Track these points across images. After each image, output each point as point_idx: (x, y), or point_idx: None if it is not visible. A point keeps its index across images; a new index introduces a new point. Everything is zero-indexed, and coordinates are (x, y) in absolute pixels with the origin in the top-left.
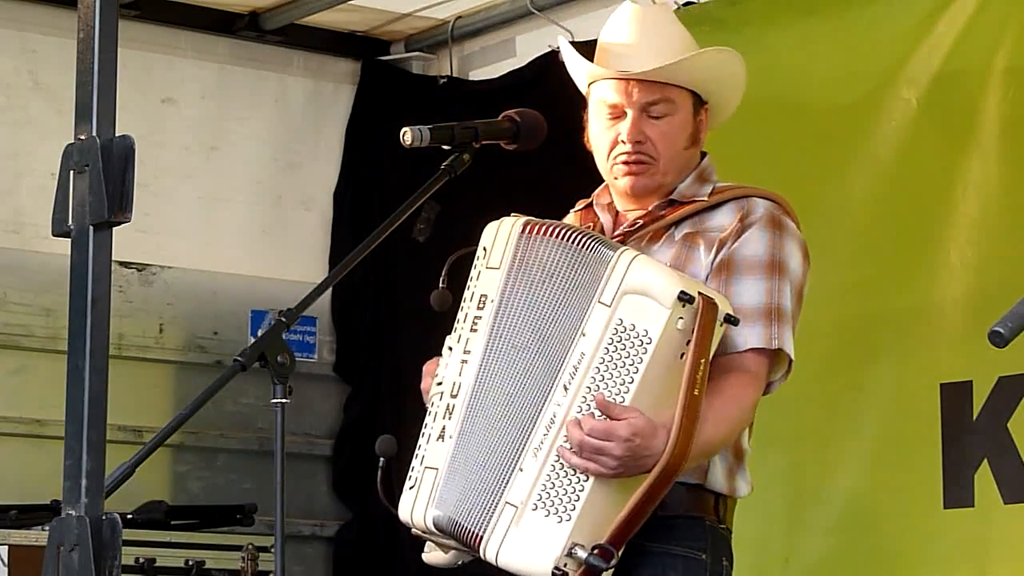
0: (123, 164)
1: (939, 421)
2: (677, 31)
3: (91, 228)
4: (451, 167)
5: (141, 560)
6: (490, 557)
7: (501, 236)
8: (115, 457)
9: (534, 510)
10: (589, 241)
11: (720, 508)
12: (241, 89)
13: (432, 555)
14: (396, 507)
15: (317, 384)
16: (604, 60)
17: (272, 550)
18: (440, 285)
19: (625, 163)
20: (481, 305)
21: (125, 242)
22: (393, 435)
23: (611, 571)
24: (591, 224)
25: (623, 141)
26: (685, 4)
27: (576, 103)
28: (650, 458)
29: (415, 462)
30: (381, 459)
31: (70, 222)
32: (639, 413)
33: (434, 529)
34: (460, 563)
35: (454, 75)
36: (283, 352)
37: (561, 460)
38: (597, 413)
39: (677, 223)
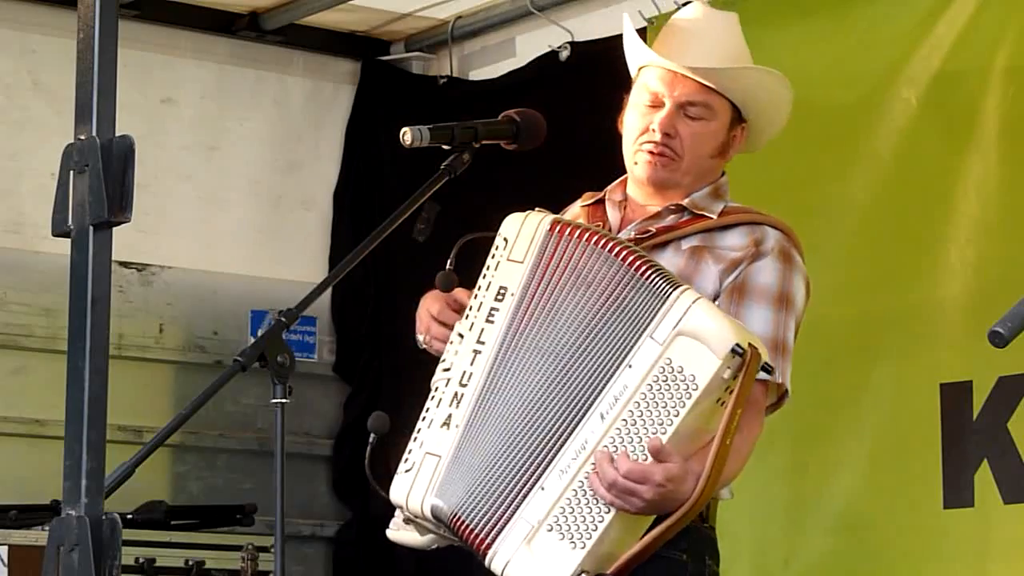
0: (123, 164)
1: (939, 421)
2: (738, 43)
3: (91, 228)
4: (451, 167)
5: (141, 560)
6: (495, 567)
7: (527, 230)
8: (115, 457)
9: (549, 531)
10: (645, 267)
11: (704, 509)
12: (241, 89)
13: (401, 533)
14: (383, 486)
15: (317, 384)
16: (661, 48)
17: (272, 550)
18: (448, 266)
19: (650, 152)
20: (500, 297)
21: (125, 242)
22: (393, 434)
23: None
24: (600, 222)
25: (653, 130)
26: (685, 4)
27: (577, 104)
28: (678, 502)
29: (413, 445)
30: (372, 435)
31: (70, 222)
32: (678, 459)
33: (430, 516)
34: (433, 547)
35: (454, 75)
36: (283, 352)
37: (585, 488)
38: (631, 451)
39: (686, 235)
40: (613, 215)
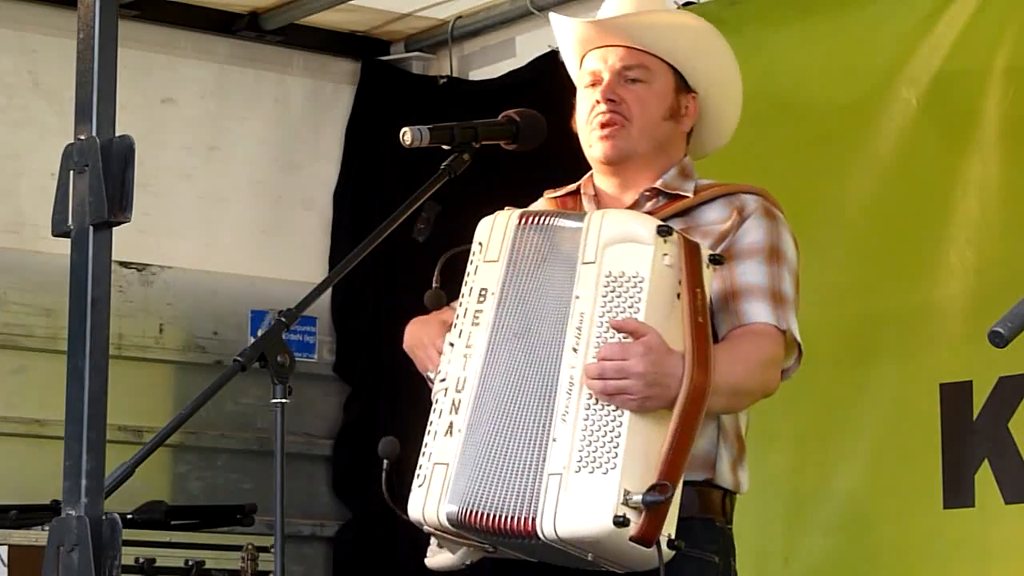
0: (123, 164)
1: (939, 421)
2: (662, 4)
3: (91, 228)
4: (451, 167)
5: (141, 560)
6: (548, 533)
7: (497, 230)
8: (115, 457)
9: (578, 472)
10: (560, 218)
11: (727, 507)
12: (241, 89)
13: (437, 558)
14: (402, 509)
15: (317, 384)
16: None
17: (272, 550)
18: (433, 284)
19: (600, 124)
20: (482, 299)
21: (125, 242)
22: (393, 435)
23: (675, 503)
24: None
25: (598, 101)
26: (685, 4)
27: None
28: (672, 378)
29: (422, 459)
30: (385, 461)
31: (70, 222)
32: (654, 331)
33: (448, 524)
34: (468, 563)
35: (454, 75)
36: (283, 352)
37: (591, 417)
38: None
39: (667, 219)
40: (590, 208)
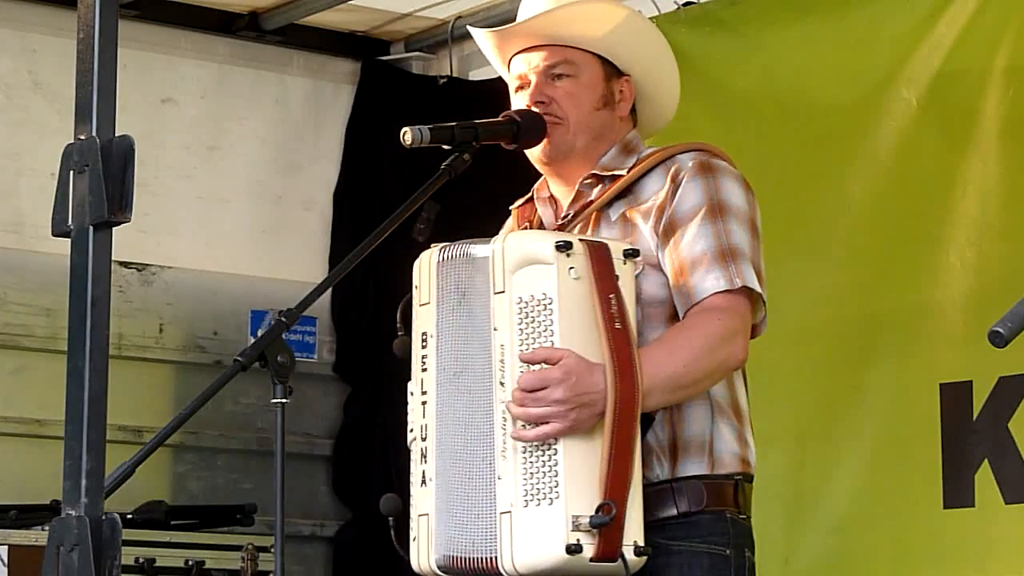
0: (123, 164)
1: (939, 421)
2: None
3: (91, 228)
4: (451, 167)
5: (141, 560)
6: (509, 570)
7: (424, 270)
8: (115, 457)
9: (526, 507)
10: (470, 246)
11: (739, 496)
12: (241, 89)
13: None
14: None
15: (317, 384)
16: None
17: (272, 550)
18: (399, 333)
19: None
20: (424, 344)
21: (125, 242)
22: (393, 435)
23: (637, 509)
24: (529, 220)
25: (528, 105)
26: (685, 4)
27: None
28: (596, 395)
29: (412, 512)
30: (390, 519)
31: (70, 222)
32: (569, 352)
33: (440, 572)
34: None
35: (454, 75)
36: (283, 352)
37: (529, 449)
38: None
39: (610, 203)
40: (546, 212)
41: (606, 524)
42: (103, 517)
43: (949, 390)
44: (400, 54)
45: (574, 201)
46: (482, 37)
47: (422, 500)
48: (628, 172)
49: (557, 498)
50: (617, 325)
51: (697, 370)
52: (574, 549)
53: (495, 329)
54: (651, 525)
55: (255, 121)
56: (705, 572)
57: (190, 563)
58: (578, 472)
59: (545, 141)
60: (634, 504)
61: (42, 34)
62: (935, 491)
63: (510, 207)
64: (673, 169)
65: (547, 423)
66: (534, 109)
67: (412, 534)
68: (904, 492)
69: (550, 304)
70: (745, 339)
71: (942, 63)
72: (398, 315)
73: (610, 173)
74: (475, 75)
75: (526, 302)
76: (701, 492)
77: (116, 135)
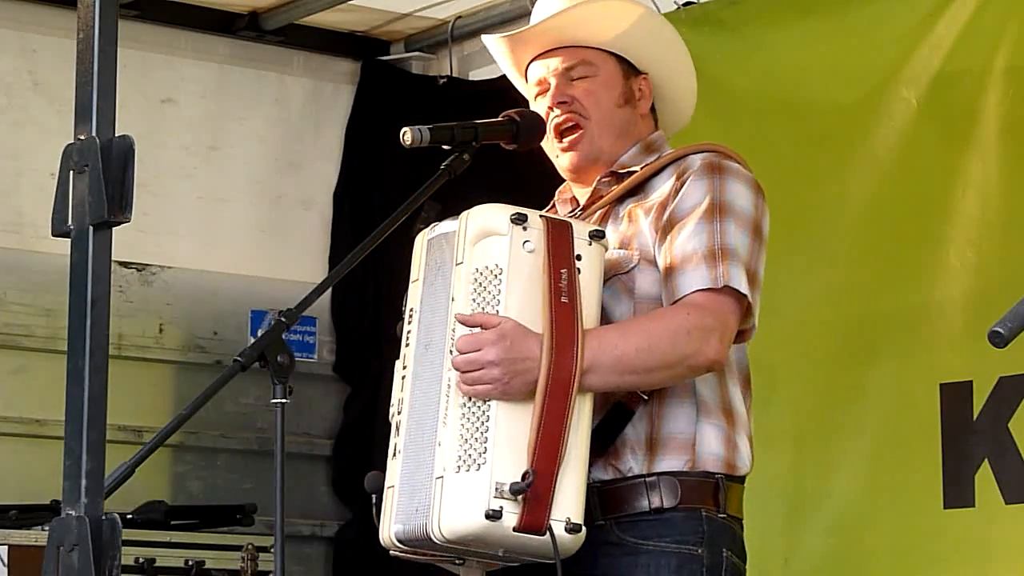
0: (123, 164)
1: (939, 421)
2: None
3: (91, 228)
4: (451, 167)
5: (141, 560)
6: (436, 536)
7: (416, 249)
8: (115, 457)
9: (457, 472)
10: (442, 222)
11: (719, 495)
12: (241, 89)
13: None
14: None
15: (317, 384)
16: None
17: (272, 550)
18: (398, 335)
19: (560, 134)
20: (410, 319)
21: (125, 242)
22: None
23: (574, 485)
24: None
25: (550, 108)
26: (685, 4)
27: None
28: (529, 362)
29: (385, 487)
30: (373, 496)
31: (70, 222)
32: (506, 318)
33: (400, 544)
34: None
35: (454, 75)
36: (283, 352)
37: (466, 416)
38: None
39: (621, 199)
40: (564, 210)
41: (523, 491)
42: (103, 517)
43: (949, 390)
44: (400, 54)
45: (591, 197)
46: (496, 46)
47: (391, 472)
48: (641, 170)
49: (484, 464)
50: (563, 299)
51: (650, 358)
52: (494, 515)
53: (452, 299)
54: (623, 521)
55: (255, 121)
56: (673, 573)
57: (190, 563)
58: (507, 440)
59: (574, 153)
60: (569, 478)
61: (42, 34)
62: (935, 491)
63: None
64: (681, 167)
65: (481, 384)
66: (556, 111)
67: (384, 508)
68: (904, 492)
69: (500, 275)
70: (721, 339)
71: (942, 63)
72: (400, 324)
73: (626, 170)
74: (475, 75)
75: (480, 272)
76: (675, 488)
77: (116, 135)
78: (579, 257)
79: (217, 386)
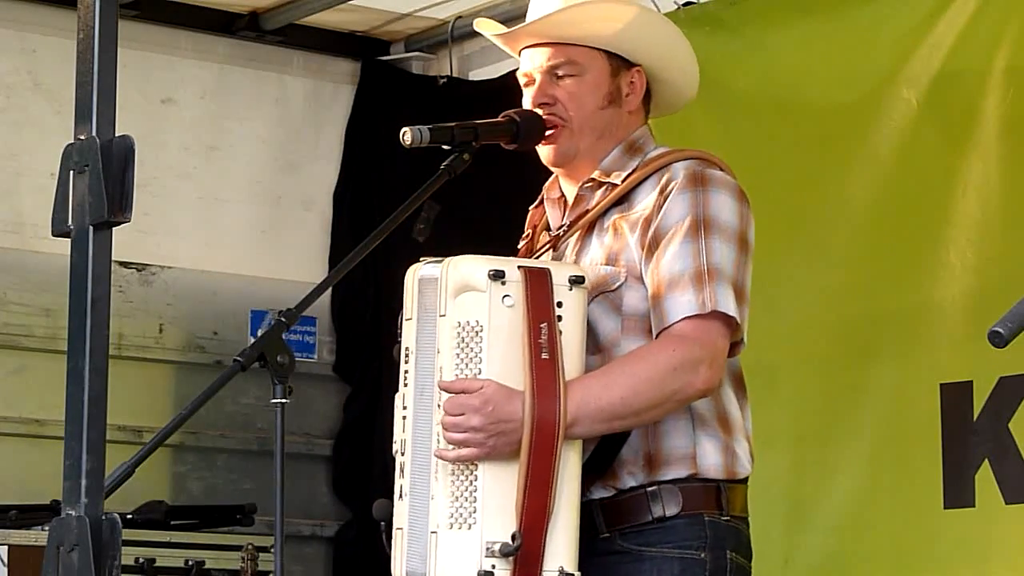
0: (123, 164)
1: (939, 421)
2: None
3: (91, 228)
4: (451, 167)
5: (141, 560)
6: None
7: (408, 285)
8: (115, 457)
9: (450, 528)
10: (430, 267)
11: (722, 500)
12: (241, 89)
13: None
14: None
15: (317, 384)
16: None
17: (272, 550)
18: (399, 340)
19: None
20: (406, 359)
21: (125, 242)
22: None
23: (564, 534)
24: (533, 226)
25: (533, 107)
26: (685, 4)
27: None
28: (513, 423)
29: (394, 523)
30: (382, 523)
31: (70, 222)
32: (490, 382)
33: None
34: None
35: (454, 75)
36: (283, 352)
37: (454, 471)
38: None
39: (605, 211)
40: (553, 213)
41: (512, 554)
42: (103, 517)
43: (949, 390)
44: (400, 54)
45: (575, 205)
46: (489, 35)
47: (399, 514)
48: (624, 180)
49: (475, 524)
50: (544, 355)
51: (638, 402)
52: (486, 575)
53: (438, 351)
54: (628, 532)
55: (255, 121)
56: None
57: (190, 563)
58: (495, 499)
59: (551, 147)
60: (559, 530)
61: (42, 34)
62: (935, 491)
63: (529, 207)
64: (664, 179)
65: (466, 447)
66: (537, 110)
67: (393, 543)
68: (904, 492)
69: (480, 332)
70: (711, 367)
71: (942, 63)
72: (400, 321)
73: (608, 180)
74: (475, 75)
75: (463, 326)
76: (677, 496)
77: (116, 135)
78: (560, 304)
79: (217, 386)
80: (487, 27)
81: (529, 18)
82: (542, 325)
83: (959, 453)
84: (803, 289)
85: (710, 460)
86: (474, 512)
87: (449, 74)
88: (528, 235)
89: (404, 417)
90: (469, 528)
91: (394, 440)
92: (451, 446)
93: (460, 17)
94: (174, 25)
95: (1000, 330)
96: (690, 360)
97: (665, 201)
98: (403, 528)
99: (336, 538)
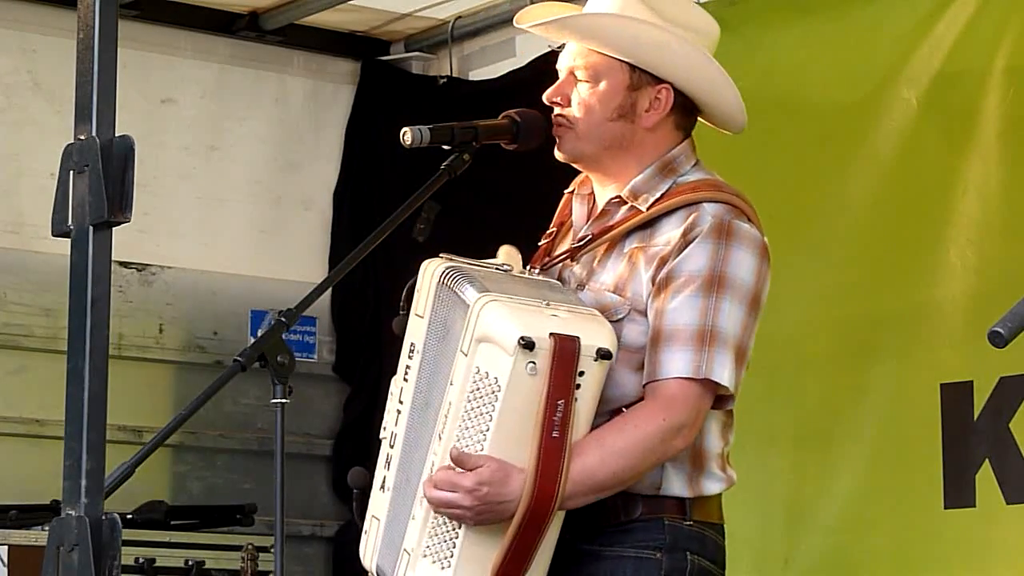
0: (123, 164)
1: (939, 421)
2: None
3: (91, 228)
4: (451, 167)
5: (141, 560)
6: None
7: (425, 281)
8: (115, 457)
9: (424, 556)
10: (462, 284)
11: (687, 507)
12: (241, 89)
13: None
14: None
15: (317, 384)
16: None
17: (272, 550)
18: (400, 311)
19: (555, 126)
20: (411, 354)
21: (125, 242)
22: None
23: None
24: (560, 222)
25: (547, 100)
26: None
27: None
28: (509, 503)
29: (369, 507)
30: (355, 490)
31: (70, 222)
32: (491, 461)
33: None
34: None
35: (454, 75)
36: (283, 352)
37: (438, 511)
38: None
39: (628, 234)
40: (579, 210)
41: None
42: (103, 517)
43: (950, 390)
44: (400, 54)
45: (599, 218)
46: (529, 26)
47: (378, 503)
48: (650, 207)
49: (448, 567)
50: (555, 434)
51: (627, 475)
52: None
53: (451, 383)
54: (587, 533)
55: (255, 121)
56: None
57: (190, 563)
58: (474, 550)
59: (558, 147)
60: None
61: (42, 34)
62: (936, 491)
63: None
64: (691, 220)
65: (452, 513)
66: (553, 104)
67: (364, 528)
68: (905, 492)
69: (497, 392)
70: (691, 429)
71: (942, 63)
72: (403, 296)
73: (634, 203)
74: (475, 75)
75: (482, 376)
76: (638, 503)
77: (116, 135)
78: (582, 373)
79: (217, 386)
80: (528, 23)
81: (585, 11)
82: (559, 402)
83: (959, 453)
84: (803, 289)
85: (674, 491)
86: (451, 557)
87: (449, 74)
88: (552, 233)
89: (399, 411)
90: (442, 568)
91: (384, 424)
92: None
93: (460, 17)
94: (174, 25)
95: (1000, 330)
96: (676, 426)
97: (687, 245)
98: (380, 520)
99: (336, 538)
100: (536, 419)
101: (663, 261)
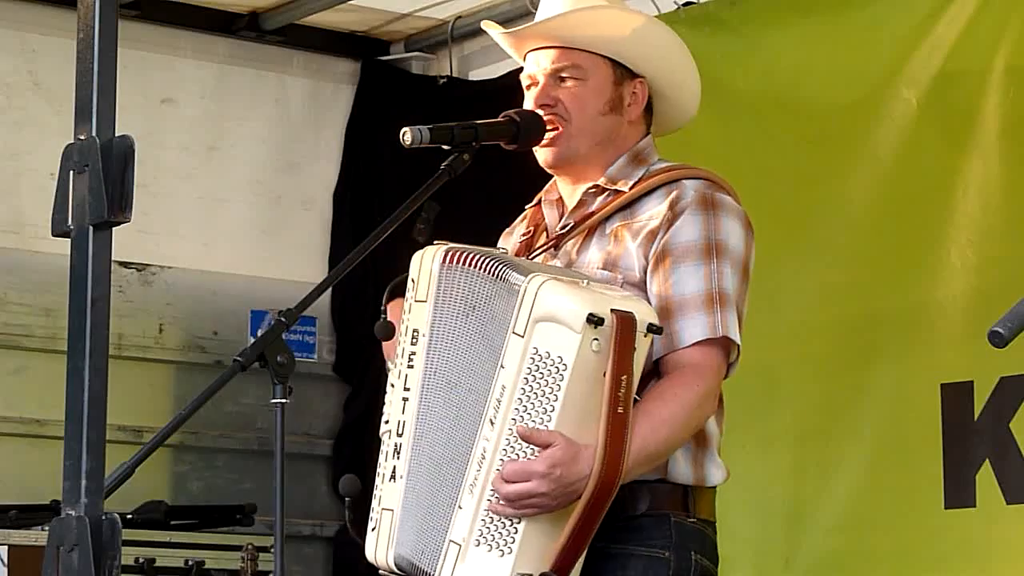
0: (123, 164)
1: (940, 421)
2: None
3: (91, 228)
4: (451, 167)
5: (141, 560)
6: None
7: (424, 268)
8: (115, 457)
9: (477, 546)
10: (501, 268)
11: (689, 502)
12: (241, 89)
13: None
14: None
15: (317, 384)
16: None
17: (272, 550)
18: (381, 316)
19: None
20: (414, 340)
21: (125, 242)
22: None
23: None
24: (535, 225)
25: (535, 108)
26: (685, 4)
27: None
28: (579, 482)
29: (374, 503)
30: (347, 499)
31: (70, 222)
32: (559, 438)
33: (396, 569)
34: None
35: (454, 75)
36: (283, 352)
37: (495, 494)
38: (523, 449)
39: (608, 217)
40: (551, 214)
41: None
42: (103, 517)
43: (950, 390)
44: (400, 54)
45: (576, 209)
46: (496, 35)
47: (389, 494)
48: (631, 189)
49: (510, 553)
50: (620, 409)
51: (673, 445)
52: None
53: (502, 367)
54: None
55: (255, 121)
56: (639, 574)
57: (190, 563)
58: (537, 535)
59: (550, 149)
60: (575, 571)
61: (42, 34)
62: (936, 491)
63: (525, 207)
64: (674, 195)
65: (528, 509)
66: (539, 111)
67: (371, 524)
68: (905, 492)
69: (563, 371)
70: (717, 394)
71: (942, 63)
72: (384, 299)
73: (613, 187)
74: (475, 75)
75: (542, 356)
76: (646, 495)
77: (116, 135)
78: (634, 350)
79: (217, 386)
80: (494, 28)
81: (537, 19)
82: (622, 378)
83: (960, 453)
84: (803, 289)
85: (680, 469)
86: (513, 542)
87: (449, 74)
88: (529, 232)
89: (405, 399)
90: (502, 554)
91: (384, 419)
92: (503, 501)
93: (460, 17)
94: (174, 25)
95: (1000, 330)
96: (708, 393)
97: (676, 218)
98: (394, 511)
99: (336, 538)
100: (605, 395)
101: (653, 234)
